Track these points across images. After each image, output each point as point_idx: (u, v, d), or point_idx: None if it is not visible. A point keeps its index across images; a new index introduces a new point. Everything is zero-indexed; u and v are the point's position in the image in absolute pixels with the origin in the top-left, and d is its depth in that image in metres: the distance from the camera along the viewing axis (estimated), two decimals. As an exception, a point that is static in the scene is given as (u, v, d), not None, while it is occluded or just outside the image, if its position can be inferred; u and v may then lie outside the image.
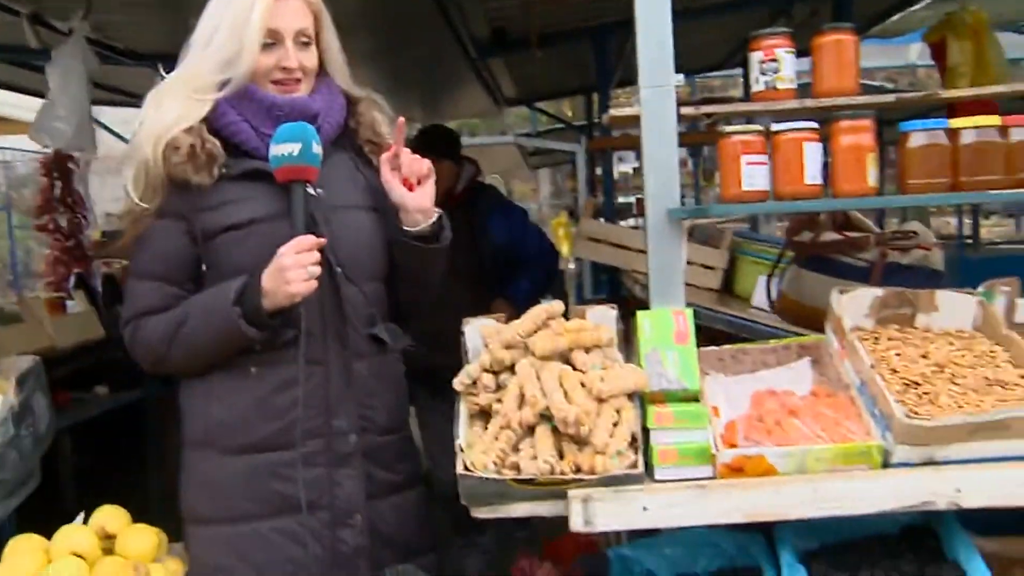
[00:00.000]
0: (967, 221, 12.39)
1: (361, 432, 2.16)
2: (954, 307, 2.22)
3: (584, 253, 3.84)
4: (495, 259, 4.10)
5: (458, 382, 2.02)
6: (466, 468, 1.86)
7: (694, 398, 1.97)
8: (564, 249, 6.98)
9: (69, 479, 3.94)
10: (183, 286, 2.16)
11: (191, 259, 2.16)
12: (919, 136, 2.08)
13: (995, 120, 2.04)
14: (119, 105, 7.01)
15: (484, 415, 2.02)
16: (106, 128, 7.18)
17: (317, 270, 2.02)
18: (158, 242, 2.16)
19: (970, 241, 11.49)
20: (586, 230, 3.77)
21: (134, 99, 6.08)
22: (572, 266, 9.48)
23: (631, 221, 10.83)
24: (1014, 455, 1.86)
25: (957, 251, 10.01)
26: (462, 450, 1.91)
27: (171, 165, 2.10)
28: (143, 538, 2.16)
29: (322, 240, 2.05)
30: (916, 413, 1.87)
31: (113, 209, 7.90)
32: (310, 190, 2.10)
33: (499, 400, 1.97)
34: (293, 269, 1.99)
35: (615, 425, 1.89)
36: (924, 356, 2.06)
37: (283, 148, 2.05)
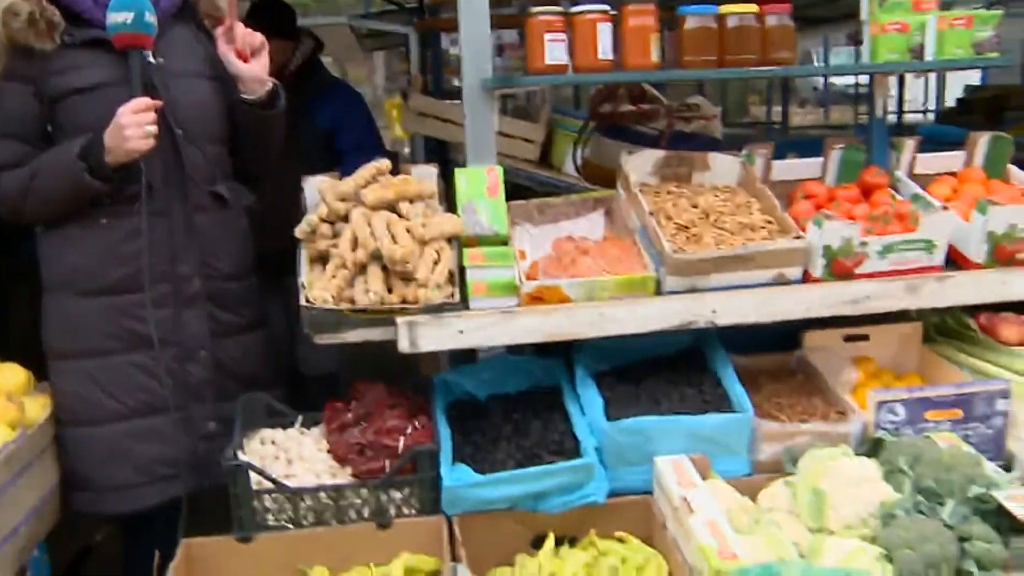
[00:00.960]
0: (777, 108, 13.17)
1: (205, 278, 2.42)
2: (723, 166, 2.64)
3: (413, 127, 4.10)
4: (316, 144, 3.83)
5: (299, 231, 2.31)
6: (308, 302, 2.16)
7: (503, 242, 2.32)
8: (398, 129, 7.16)
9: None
10: (34, 144, 2.33)
11: (40, 119, 2.33)
12: (693, 19, 2.43)
13: (753, 8, 2.42)
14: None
15: (322, 259, 2.31)
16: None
17: (154, 129, 2.23)
18: (7, 103, 2.32)
19: (778, 126, 12.26)
20: (414, 105, 4.04)
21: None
22: (407, 150, 9.64)
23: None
24: (757, 282, 2.31)
25: (767, 135, 10.74)
26: (304, 287, 2.21)
27: (12, 30, 2.25)
28: (14, 373, 2.36)
29: (158, 102, 2.26)
30: (683, 249, 2.28)
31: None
32: (149, 58, 2.29)
33: (335, 245, 2.26)
34: (131, 127, 2.20)
35: (436, 263, 2.22)
36: (694, 206, 2.46)
37: (117, 16, 2.23)
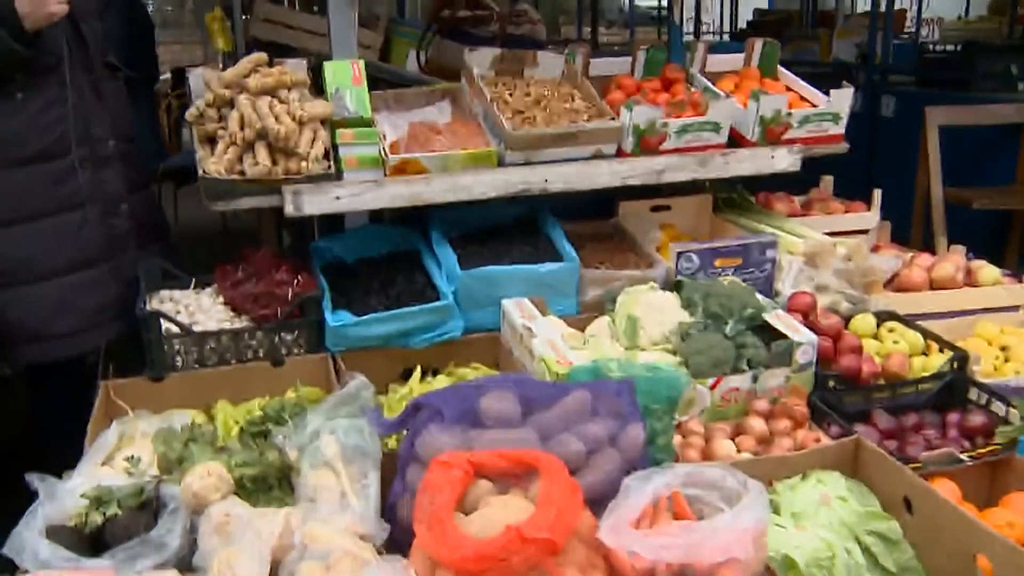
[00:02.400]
0: (587, 29, 13.86)
1: (115, 140, 2.70)
2: (549, 63, 3.11)
3: (260, 33, 4.35)
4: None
5: (188, 115, 2.62)
6: (204, 173, 2.50)
7: (368, 124, 2.71)
8: (220, 43, 7.26)
9: None
10: None
11: None
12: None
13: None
14: None
15: (210, 140, 2.63)
16: None
17: None
18: None
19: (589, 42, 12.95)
20: (261, 12, 4.29)
21: None
22: (220, 66, 9.65)
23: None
24: (580, 156, 2.79)
25: (592, 52, 11.38)
26: (199, 162, 2.54)
27: None
28: None
29: None
30: (520, 128, 2.73)
31: None
32: None
33: (223, 127, 2.59)
34: None
35: (313, 141, 2.58)
36: (527, 95, 2.92)
37: None
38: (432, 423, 1.82)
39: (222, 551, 1.68)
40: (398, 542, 1.76)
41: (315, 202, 2.54)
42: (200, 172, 2.49)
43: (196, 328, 2.50)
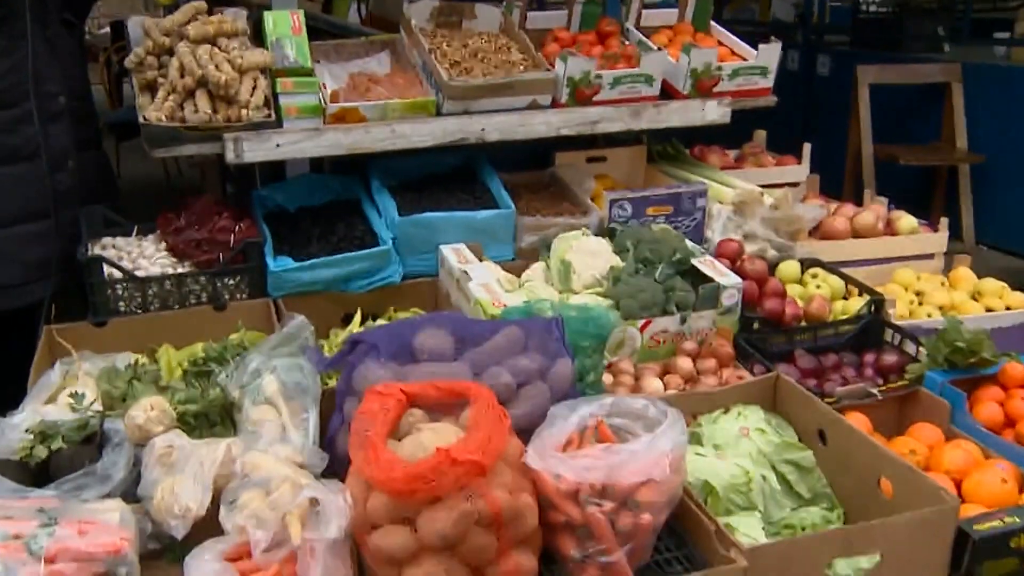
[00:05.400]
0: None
1: (66, 96, 2.71)
2: (487, 16, 3.17)
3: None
4: None
5: (128, 62, 2.64)
6: (145, 120, 2.52)
7: (308, 73, 2.75)
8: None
9: None
10: None
11: None
12: None
13: None
14: None
15: (151, 88, 2.65)
16: None
17: None
18: None
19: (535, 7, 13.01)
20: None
21: None
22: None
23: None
24: (516, 107, 2.86)
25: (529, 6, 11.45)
26: (139, 109, 2.56)
27: None
28: None
29: None
30: (456, 78, 2.79)
31: None
32: None
33: (163, 76, 2.62)
34: None
35: (254, 89, 2.62)
36: (465, 46, 2.98)
37: None
38: (368, 358, 1.90)
39: (166, 480, 1.75)
40: (337, 473, 1.83)
41: (256, 149, 2.58)
42: (141, 119, 2.52)
43: (139, 274, 2.54)
